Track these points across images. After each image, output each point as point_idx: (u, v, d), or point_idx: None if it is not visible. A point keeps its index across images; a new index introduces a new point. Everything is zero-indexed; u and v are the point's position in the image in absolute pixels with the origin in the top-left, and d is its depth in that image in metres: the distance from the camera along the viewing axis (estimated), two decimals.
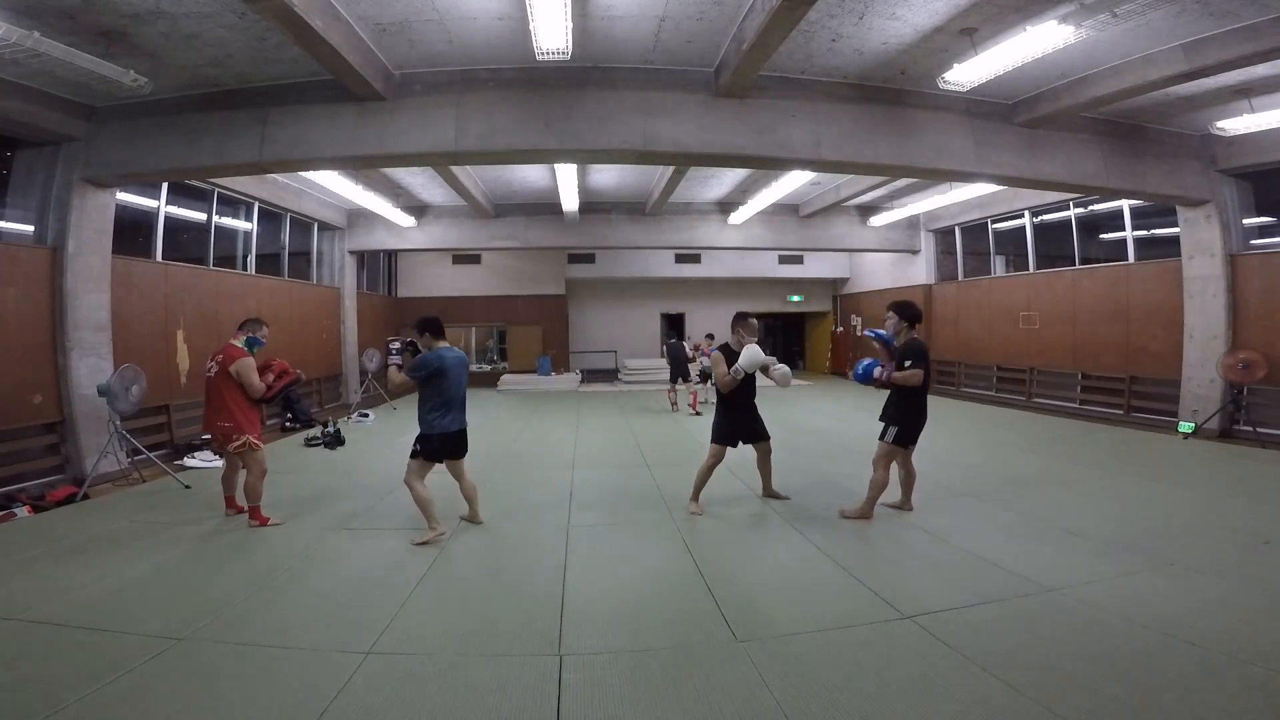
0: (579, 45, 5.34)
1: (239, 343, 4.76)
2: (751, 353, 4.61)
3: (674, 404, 11.42)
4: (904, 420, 4.50)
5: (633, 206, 12.65)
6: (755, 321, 4.83)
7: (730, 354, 4.75)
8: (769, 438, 4.97)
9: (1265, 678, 2.47)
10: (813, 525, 4.49)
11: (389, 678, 2.60)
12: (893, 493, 4.79)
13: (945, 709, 2.33)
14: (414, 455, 4.32)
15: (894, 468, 4.69)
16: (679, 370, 11.37)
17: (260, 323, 4.99)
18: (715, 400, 4.93)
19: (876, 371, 4.58)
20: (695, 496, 4.93)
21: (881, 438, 4.58)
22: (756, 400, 4.94)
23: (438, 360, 4.25)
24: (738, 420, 4.84)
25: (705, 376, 12.00)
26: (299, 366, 5.30)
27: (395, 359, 4.40)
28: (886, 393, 4.64)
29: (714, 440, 4.85)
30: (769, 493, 5.15)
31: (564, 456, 7.21)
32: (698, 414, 10.52)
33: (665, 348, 11.89)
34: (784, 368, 4.81)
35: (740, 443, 4.88)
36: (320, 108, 6.02)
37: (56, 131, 5.99)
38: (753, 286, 18.35)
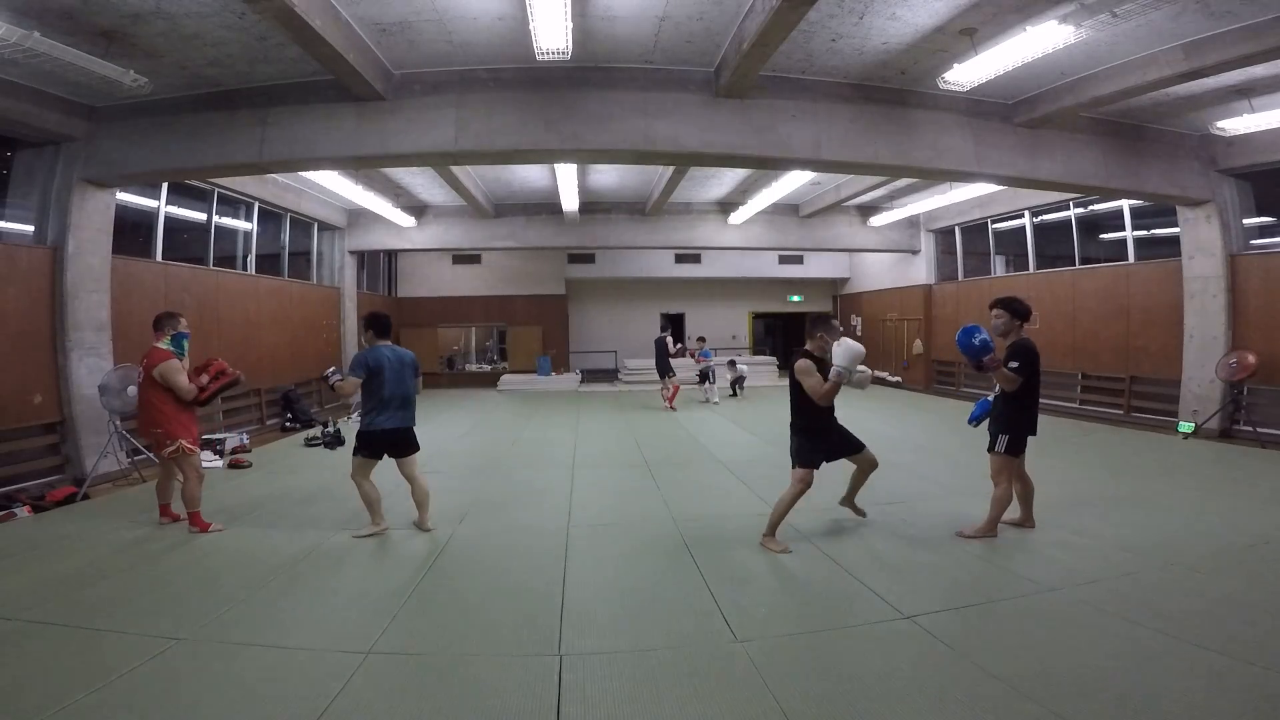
0: (579, 45, 5.33)
1: (163, 344, 4.51)
2: (849, 347, 3.86)
3: (668, 402, 11.44)
4: (1014, 427, 4.10)
5: (633, 206, 12.66)
6: (839, 324, 4.30)
7: (817, 362, 4.06)
8: (864, 446, 4.31)
9: (1265, 677, 2.47)
10: (812, 525, 4.48)
11: (389, 678, 2.60)
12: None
13: (945, 709, 2.33)
14: (355, 453, 4.44)
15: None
16: (661, 365, 11.47)
17: (175, 316, 4.65)
18: (794, 422, 4.21)
19: (987, 359, 4.01)
20: (771, 532, 4.17)
21: (991, 449, 4.17)
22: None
23: (374, 359, 4.32)
24: (822, 433, 4.18)
25: (704, 377, 12.09)
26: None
27: (336, 377, 4.39)
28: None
29: (800, 464, 4.12)
30: (849, 502, 4.60)
31: (564, 457, 7.21)
32: (673, 409, 10.86)
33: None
34: (863, 367, 4.12)
35: (828, 460, 4.25)
36: (320, 108, 6.02)
37: (56, 131, 5.98)
38: (753, 286, 18.36)
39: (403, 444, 4.45)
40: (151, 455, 4.82)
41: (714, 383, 12.20)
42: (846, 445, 4.30)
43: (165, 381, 4.42)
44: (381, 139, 6.05)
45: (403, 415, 4.41)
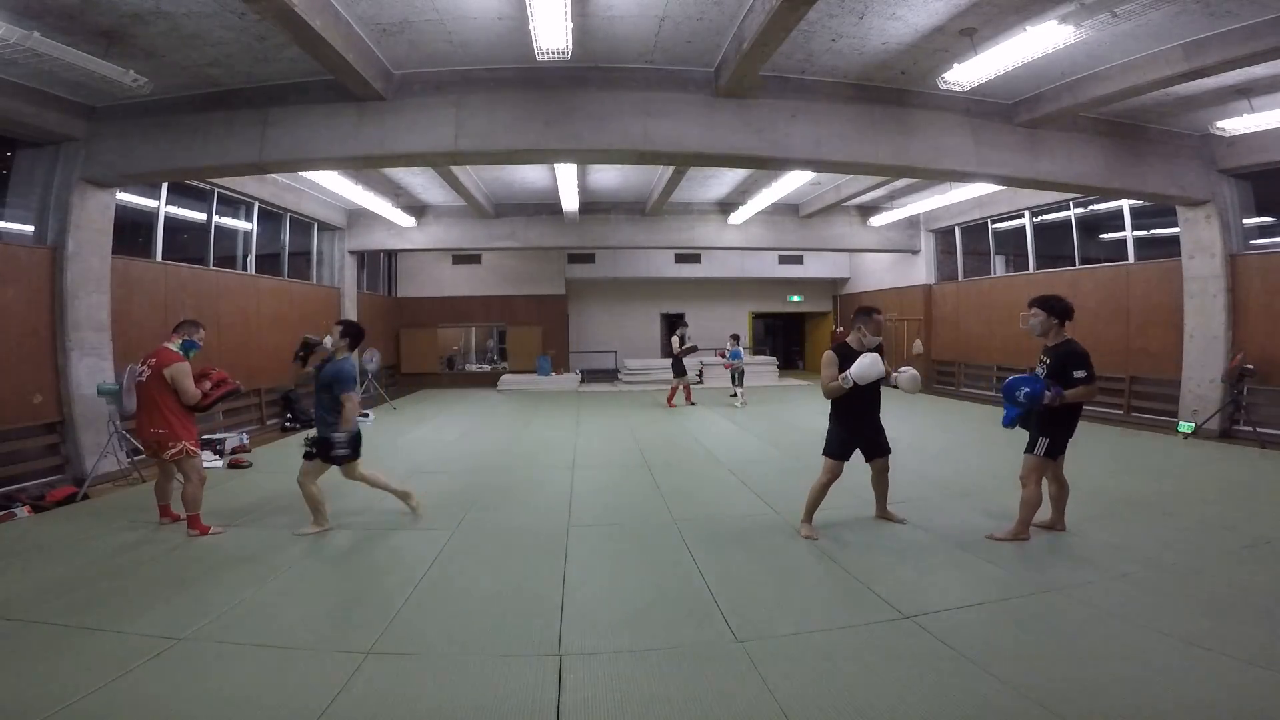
0: (579, 45, 5.33)
1: (174, 346, 4.55)
2: (866, 364, 3.91)
3: (670, 400, 11.73)
4: (1055, 429, 3.95)
5: (633, 206, 12.66)
6: (881, 317, 4.23)
7: (847, 352, 4.10)
8: (889, 452, 4.33)
9: (1266, 678, 2.47)
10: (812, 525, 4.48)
11: (389, 678, 2.60)
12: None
13: (945, 709, 2.33)
14: (309, 457, 4.39)
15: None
16: (674, 364, 11.68)
17: (197, 325, 4.76)
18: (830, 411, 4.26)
19: (1048, 398, 3.78)
20: (808, 518, 4.30)
21: (1029, 450, 4.01)
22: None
23: (353, 371, 4.47)
24: (854, 429, 4.18)
25: (734, 377, 11.92)
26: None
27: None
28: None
29: (826, 453, 4.20)
30: (883, 514, 4.53)
31: (564, 456, 7.21)
32: (673, 407, 11.26)
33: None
34: (911, 372, 4.17)
35: (864, 456, 4.29)
36: (320, 108, 6.02)
37: (56, 131, 5.98)
38: (753, 286, 18.36)
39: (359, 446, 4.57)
40: (148, 456, 4.82)
41: (742, 385, 11.81)
42: (877, 448, 4.29)
43: (174, 384, 4.45)
44: (381, 139, 6.05)
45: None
